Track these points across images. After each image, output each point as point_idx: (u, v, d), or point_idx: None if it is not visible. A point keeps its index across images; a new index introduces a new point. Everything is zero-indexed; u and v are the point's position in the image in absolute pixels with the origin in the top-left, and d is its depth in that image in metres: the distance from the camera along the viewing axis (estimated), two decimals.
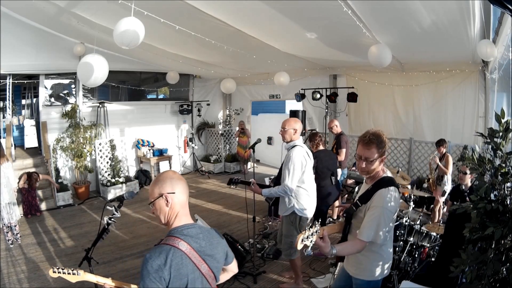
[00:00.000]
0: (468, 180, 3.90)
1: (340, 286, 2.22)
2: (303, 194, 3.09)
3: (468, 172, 3.83)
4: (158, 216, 1.40)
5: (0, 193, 4.19)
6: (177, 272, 1.24)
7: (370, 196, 1.88)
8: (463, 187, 3.93)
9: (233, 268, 1.61)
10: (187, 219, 1.41)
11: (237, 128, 8.82)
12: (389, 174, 1.98)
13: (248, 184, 3.15)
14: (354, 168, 5.87)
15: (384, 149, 1.89)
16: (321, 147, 4.20)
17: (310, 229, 1.68)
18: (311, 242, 1.65)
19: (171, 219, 1.39)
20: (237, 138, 8.87)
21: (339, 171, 4.82)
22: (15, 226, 4.44)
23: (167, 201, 1.36)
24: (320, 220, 1.83)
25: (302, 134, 6.15)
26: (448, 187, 4.61)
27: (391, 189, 1.86)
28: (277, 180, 3.25)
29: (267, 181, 5.57)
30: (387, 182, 1.89)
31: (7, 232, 4.39)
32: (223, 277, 1.60)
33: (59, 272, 1.63)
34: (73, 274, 1.65)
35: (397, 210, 1.96)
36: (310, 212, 3.17)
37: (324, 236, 1.74)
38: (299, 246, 1.64)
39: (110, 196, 6.57)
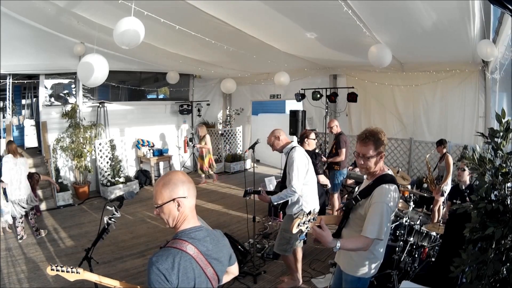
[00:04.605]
0: (466, 178, 3.89)
1: (337, 284, 2.22)
2: (308, 192, 3.13)
3: (466, 168, 3.82)
4: (166, 219, 1.36)
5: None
6: (185, 276, 1.23)
7: (371, 191, 1.88)
8: (463, 186, 3.93)
9: (234, 270, 1.60)
10: (195, 221, 1.39)
11: (199, 135, 7.51)
12: (390, 173, 1.99)
13: (258, 193, 3.20)
14: (351, 167, 5.87)
15: (382, 146, 1.91)
16: (307, 148, 4.04)
17: (308, 215, 1.69)
18: (306, 228, 1.69)
19: (179, 222, 1.36)
20: (198, 146, 7.51)
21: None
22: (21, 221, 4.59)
23: (178, 205, 1.32)
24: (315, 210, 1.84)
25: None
26: (447, 187, 4.60)
27: (392, 186, 1.88)
28: (282, 183, 3.25)
29: (267, 182, 5.57)
30: (387, 179, 1.90)
31: (17, 227, 4.52)
32: (224, 279, 1.59)
33: (57, 270, 1.60)
34: (72, 272, 1.61)
35: (396, 209, 1.97)
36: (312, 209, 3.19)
37: (322, 225, 1.72)
38: (295, 230, 1.67)
39: (110, 196, 6.56)
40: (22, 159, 4.72)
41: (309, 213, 1.72)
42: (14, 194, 4.43)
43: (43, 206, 5.90)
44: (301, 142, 4.18)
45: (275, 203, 3.09)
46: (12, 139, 5.09)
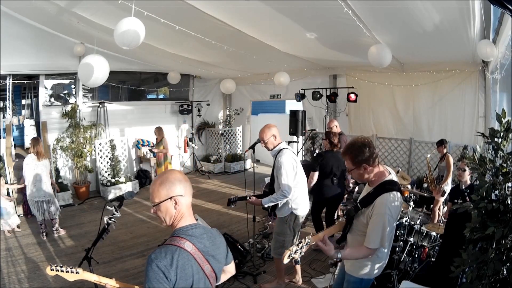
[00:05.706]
0: (467, 177, 3.88)
1: (339, 284, 2.22)
2: (297, 194, 3.12)
3: (466, 169, 3.82)
4: (163, 218, 1.37)
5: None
6: (183, 272, 1.24)
7: (371, 200, 1.86)
8: (463, 186, 3.93)
9: (230, 269, 1.61)
10: (192, 219, 1.40)
11: (156, 138, 6.76)
12: (393, 175, 1.96)
13: (245, 199, 3.21)
14: None
15: (363, 157, 1.85)
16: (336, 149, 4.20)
17: (299, 244, 1.72)
18: (300, 254, 1.73)
19: (176, 220, 1.37)
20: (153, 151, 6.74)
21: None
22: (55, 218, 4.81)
23: (175, 203, 1.34)
24: (316, 231, 1.87)
25: (302, 134, 6.19)
26: (448, 187, 4.60)
27: (393, 193, 1.84)
28: (271, 186, 3.25)
29: (267, 182, 5.57)
30: (389, 186, 1.87)
31: (41, 224, 4.67)
32: (221, 278, 1.59)
33: (56, 270, 1.60)
34: (71, 272, 1.62)
35: (399, 214, 1.97)
36: (304, 210, 3.22)
37: (324, 239, 1.78)
38: (285, 261, 1.72)
39: (110, 196, 6.56)
40: (45, 161, 4.75)
41: (299, 242, 1.75)
42: (30, 194, 4.60)
43: None
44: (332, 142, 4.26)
45: (266, 206, 3.08)
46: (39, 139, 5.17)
